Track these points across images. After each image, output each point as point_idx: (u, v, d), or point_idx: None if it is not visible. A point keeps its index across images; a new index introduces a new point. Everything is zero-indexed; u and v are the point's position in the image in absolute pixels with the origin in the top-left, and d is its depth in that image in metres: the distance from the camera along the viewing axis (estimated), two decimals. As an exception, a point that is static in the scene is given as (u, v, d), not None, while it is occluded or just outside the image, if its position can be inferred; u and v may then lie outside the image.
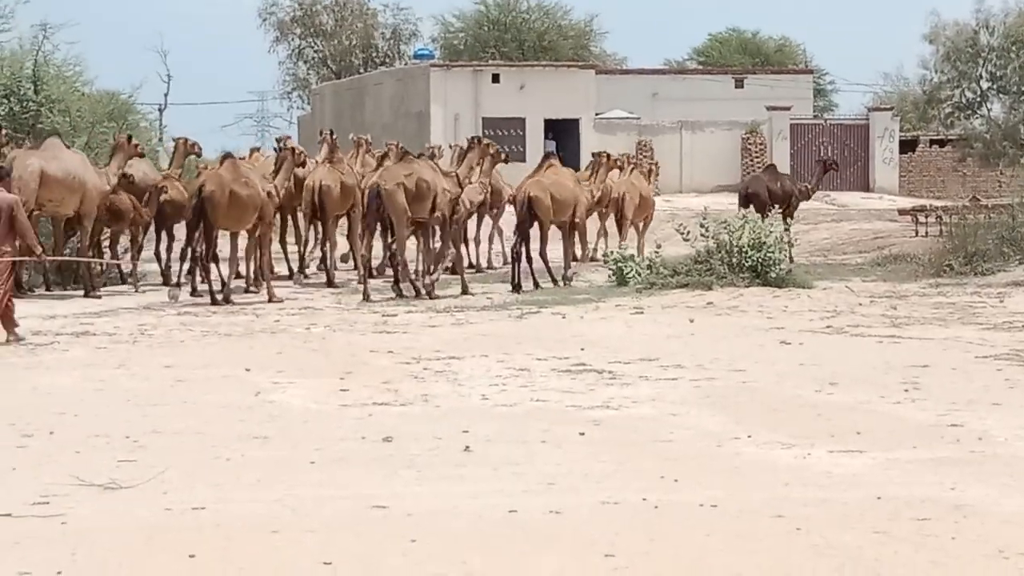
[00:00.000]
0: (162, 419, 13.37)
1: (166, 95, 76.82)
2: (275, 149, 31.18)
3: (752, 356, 17.55)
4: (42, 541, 8.85)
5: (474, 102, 60.07)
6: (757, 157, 56.71)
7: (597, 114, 60.02)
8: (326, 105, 69.92)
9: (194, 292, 25.77)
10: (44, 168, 26.72)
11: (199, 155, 33.89)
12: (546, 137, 57.31)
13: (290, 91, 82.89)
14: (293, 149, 29.71)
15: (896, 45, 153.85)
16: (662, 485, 10.34)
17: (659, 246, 29.72)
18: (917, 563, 8.18)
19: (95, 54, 65.84)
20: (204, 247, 25.87)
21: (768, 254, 26.47)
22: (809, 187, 38.42)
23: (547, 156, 30.54)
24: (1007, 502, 9.70)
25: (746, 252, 26.49)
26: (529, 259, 27.86)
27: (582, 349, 18.03)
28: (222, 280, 25.72)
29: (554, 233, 28.80)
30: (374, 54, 78.86)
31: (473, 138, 30.88)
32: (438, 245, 27.79)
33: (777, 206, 36.09)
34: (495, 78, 61.30)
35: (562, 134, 57.08)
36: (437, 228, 27.57)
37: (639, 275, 26.72)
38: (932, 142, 61.00)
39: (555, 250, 28.79)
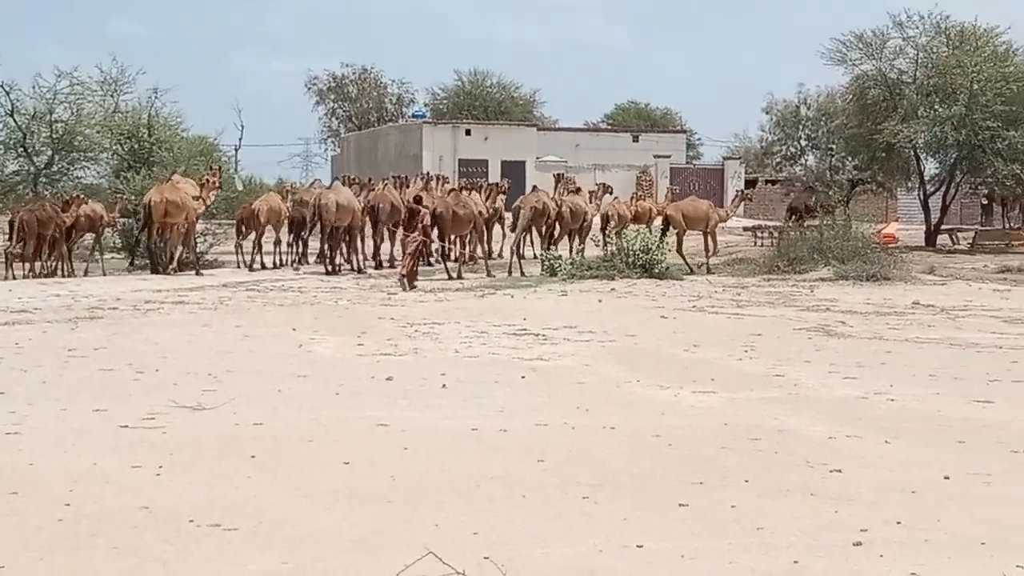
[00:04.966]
0: (234, 362, 13.34)
1: (240, 139, 76.15)
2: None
3: (641, 326, 17.56)
4: (149, 445, 8.83)
5: (453, 148, 59.99)
6: (646, 190, 56.68)
7: (537, 158, 59.95)
8: (351, 149, 69.75)
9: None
10: (337, 200, 28.77)
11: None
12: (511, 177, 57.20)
13: (326, 138, 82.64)
14: (497, 185, 34.21)
15: (743, 114, 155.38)
16: (578, 413, 10.35)
17: (582, 249, 29.90)
18: (751, 468, 8.21)
19: (191, 108, 65.50)
20: (442, 246, 29.34)
21: (653, 256, 26.56)
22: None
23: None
24: (813, 428, 9.74)
25: (638, 254, 26.56)
26: None
27: (524, 319, 18.02)
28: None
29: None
30: (384, 114, 78.66)
31: (558, 175, 33.53)
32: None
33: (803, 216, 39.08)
34: (468, 132, 61.23)
35: (513, 172, 56.94)
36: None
37: (565, 269, 26.76)
38: (767, 181, 61.00)
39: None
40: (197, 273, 27.57)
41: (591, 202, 32.22)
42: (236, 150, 68.30)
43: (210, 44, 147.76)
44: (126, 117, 35.51)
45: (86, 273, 27.71)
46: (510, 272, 27.85)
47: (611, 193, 35.48)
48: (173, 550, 6.30)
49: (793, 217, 39.49)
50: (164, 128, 35.36)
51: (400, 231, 26.84)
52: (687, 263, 29.12)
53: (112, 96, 36.71)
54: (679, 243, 29.62)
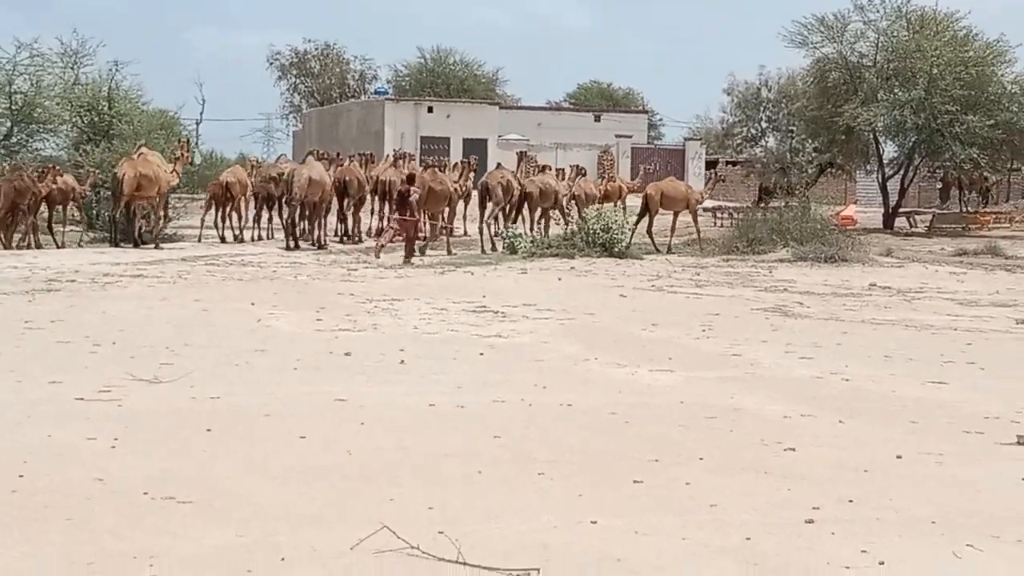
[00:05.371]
0: (192, 336, 13.29)
1: (201, 113, 75.62)
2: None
3: (600, 304, 17.60)
4: (104, 417, 8.78)
5: (415, 125, 59.76)
6: (608, 170, 56.71)
7: (499, 136, 59.85)
8: (312, 124, 69.36)
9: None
10: (310, 175, 28.87)
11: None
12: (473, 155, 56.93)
13: (288, 114, 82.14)
14: (468, 162, 33.75)
15: (705, 95, 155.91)
16: (535, 390, 10.35)
17: (545, 227, 29.99)
18: (706, 446, 8.24)
19: (152, 82, 64.98)
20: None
21: (613, 235, 26.60)
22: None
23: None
24: (769, 407, 9.79)
25: (598, 233, 26.60)
26: None
27: (484, 296, 18.03)
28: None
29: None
30: (347, 90, 78.34)
31: (520, 153, 34.08)
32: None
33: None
34: (430, 109, 60.97)
35: (475, 150, 56.73)
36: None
37: (525, 247, 26.77)
38: (728, 163, 61.05)
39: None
40: (156, 247, 27.45)
41: (562, 180, 32.48)
42: (197, 124, 67.98)
43: (172, 17, 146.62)
44: (86, 89, 35.33)
45: (56, 244, 27.86)
46: (492, 249, 27.78)
47: (584, 175, 35.71)
48: (127, 523, 6.27)
49: (765, 195, 40.01)
50: (124, 101, 35.21)
51: (391, 213, 27.59)
52: (654, 243, 29.20)
53: (72, 68, 36.51)
54: (650, 223, 29.71)
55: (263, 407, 9.29)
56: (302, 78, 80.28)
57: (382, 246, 25.37)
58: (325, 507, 6.60)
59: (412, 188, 26.25)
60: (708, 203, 46.45)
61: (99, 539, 6.02)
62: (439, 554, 5.74)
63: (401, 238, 25.91)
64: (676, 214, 30.71)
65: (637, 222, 29.75)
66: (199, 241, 29.83)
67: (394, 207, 26.90)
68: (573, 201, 32.84)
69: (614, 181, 39.42)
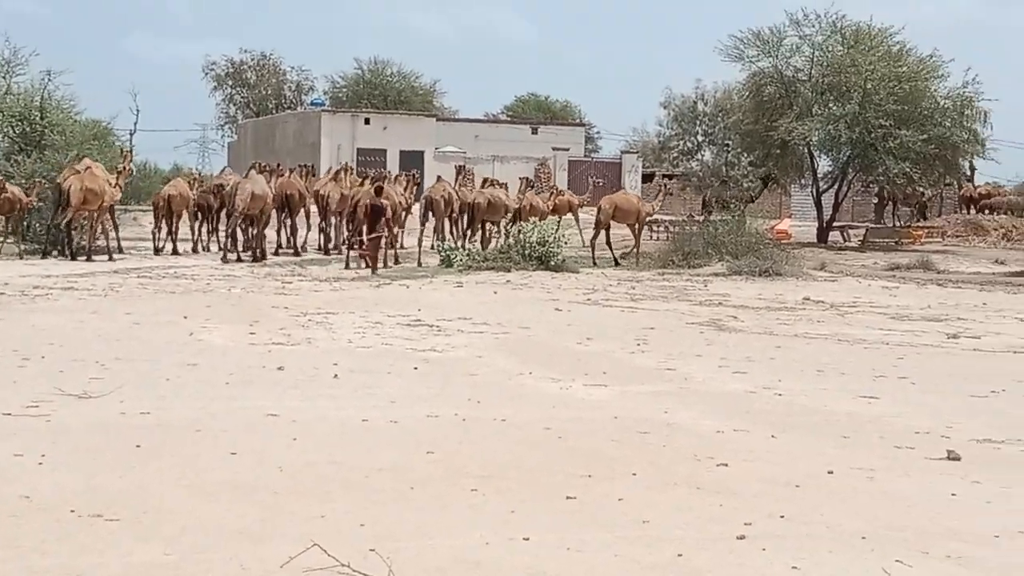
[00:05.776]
0: (122, 350, 13.16)
1: (135, 123, 74.79)
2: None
3: (535, 318, 17.60)
4: (32, 433, 8.68)
5: (352, 137, 59.64)
6: (545, 182, 56.81)
7: (436, 148, 59.81)
8: (248, 136, 69.08)
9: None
10: (253, 190, 28.60)
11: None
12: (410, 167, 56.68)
13: (223, 124, 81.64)
14: (412, 176, 33.83)
15: (641, 108, 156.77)
16: (469, 405, 10.33)
17: (476, 241, 29.96)
18: (639, 461, 8.26)
19: (85, 92, 64.17)
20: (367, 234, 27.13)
21: (549, 249, 26.65)
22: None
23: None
24: (702, 422, 9.82)
25: (534, 246, 26.64)
26: None
27: (419, 310, 17.98)
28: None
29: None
30: (283, 101, 78.01)
31: (459, 166, 34.43)
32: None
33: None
34: (367, 120, 60.91)
35: (411, 162, 56.67)
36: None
37: (461, 260, 26.75)
38: (664, 176, 61.48)
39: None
40: (88, 259, 27.20)
41: (516, 194, 32.68)
42: (131, 134, 67.35)
43: (105, 25, 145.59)
44: (18, 99, 34.98)
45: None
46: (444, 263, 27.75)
47: (533, 187, 35.86)
48: (53, 540, 6.20)
49: (706, 209, 40.38)
50: (57, 111, 34.87)
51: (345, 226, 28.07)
52: (593, 256, 29.26)
53: (4, 77, 36.14)
54: (595, 235, 29.78)
55: (194, 422, 9.21)
56: (238, 88, 79.86)
57: (366, 264, 25.83)
58: (255, 524, 6.56)
59: (384, 201, 26.45)
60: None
61: (25, 557, 5.95)
62: (370, 572, 5.71)
63: (367, 253, 26.11)
64: (631, 227, 30.82)
65: (595, 236, 29.88)
66: (157, 253, 29.84)
67: (359, 221, 26.73)
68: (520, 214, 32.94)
69: (563, 195, 39.39)
